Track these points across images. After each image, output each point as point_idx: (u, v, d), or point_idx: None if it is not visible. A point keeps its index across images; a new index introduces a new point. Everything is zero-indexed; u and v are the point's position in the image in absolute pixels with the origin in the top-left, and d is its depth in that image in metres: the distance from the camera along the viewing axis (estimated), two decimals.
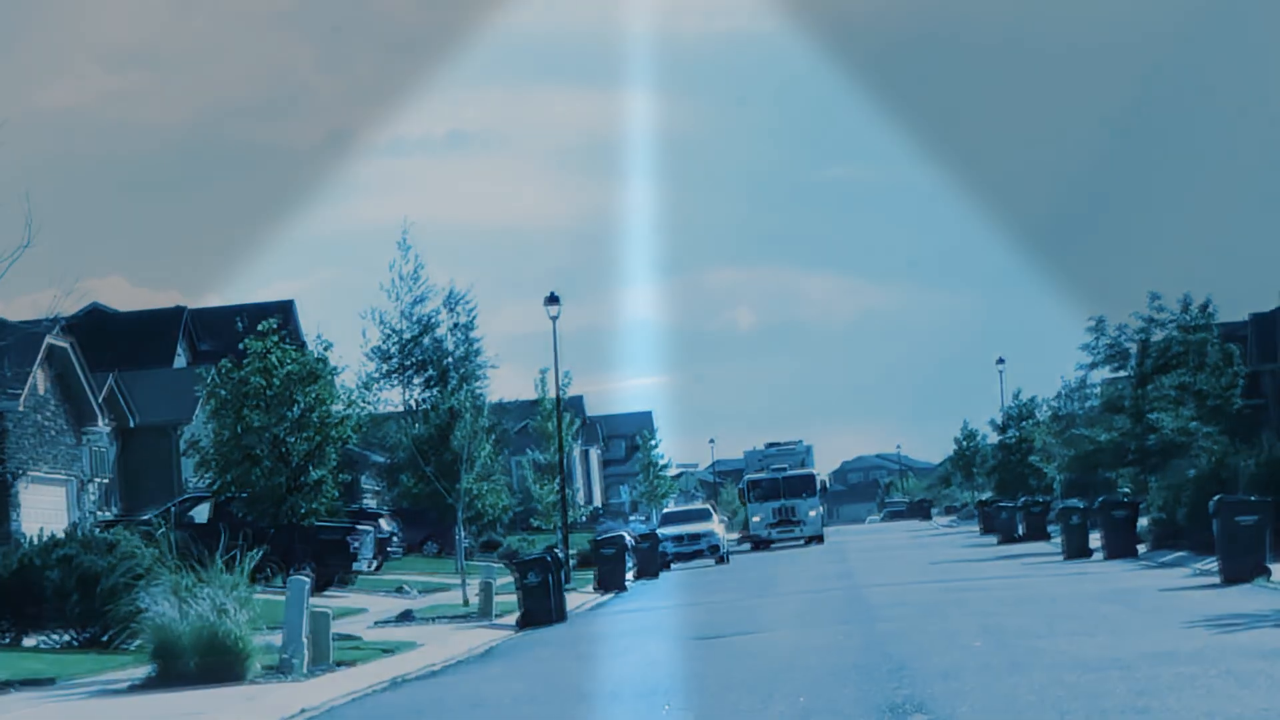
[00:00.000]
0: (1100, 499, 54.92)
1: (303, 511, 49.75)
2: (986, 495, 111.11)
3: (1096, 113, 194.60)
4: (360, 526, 54.53)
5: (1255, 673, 18.52)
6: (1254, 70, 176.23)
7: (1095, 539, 52.02)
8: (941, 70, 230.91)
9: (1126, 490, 64.28)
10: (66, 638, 31.19)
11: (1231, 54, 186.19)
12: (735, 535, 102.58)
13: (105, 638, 29.84)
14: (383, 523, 65.17)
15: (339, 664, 26.96)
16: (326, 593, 47.29)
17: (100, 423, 66.95)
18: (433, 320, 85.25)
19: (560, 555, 42.16)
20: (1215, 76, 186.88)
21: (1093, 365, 72.60)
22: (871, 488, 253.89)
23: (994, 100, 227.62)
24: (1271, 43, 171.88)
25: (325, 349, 52.01)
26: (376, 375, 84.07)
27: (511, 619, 38.30)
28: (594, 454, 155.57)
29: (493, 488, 62.00)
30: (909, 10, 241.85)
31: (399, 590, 52.05)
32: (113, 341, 78.50)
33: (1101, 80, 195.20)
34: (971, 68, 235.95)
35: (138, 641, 26.11)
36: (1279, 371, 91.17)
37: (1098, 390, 78.43)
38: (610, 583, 53.01)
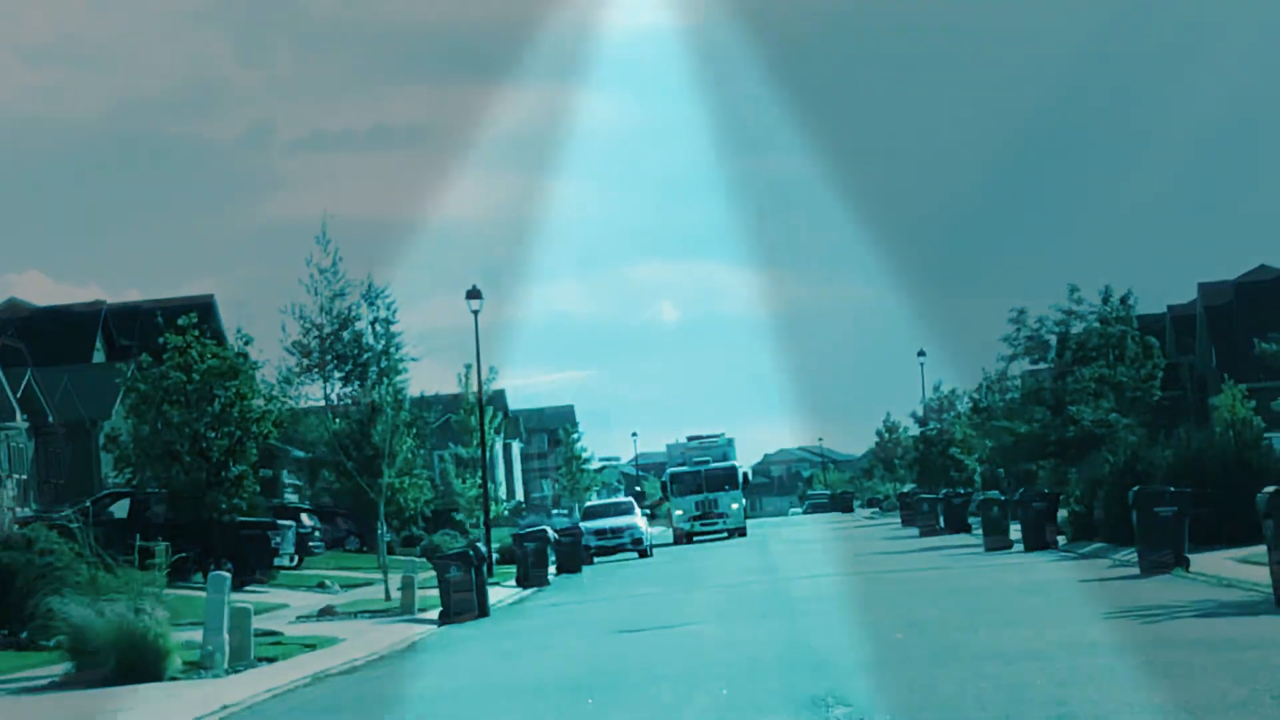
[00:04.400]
0: (1020, 491, 55.23)
1: (223, 507, 49.46)
2: (908, 487, 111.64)
3: (1017, 107, 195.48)
4: (281, 522, 54.29)
5: (1175, 663, 18.61)
6: (1173, 66, 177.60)
7: (1015, 531, 52.30)
8: (864, 65, 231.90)
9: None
10: None
11: (1153, 49, 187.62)
12: (656, 529, 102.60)
13: (24, 635, 29.60)
14: (304, 518, 64.91)
15: (260, 660, 26.85)
16: (247, 588, 47.03)
17: (17, 419, 66.45)
18: (353, 314, 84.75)
19: (482, 550, 42.05)
20: (1135, 72, 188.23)
21: (1013, 357, 72.91)
22: (794, 480, 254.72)
23: (916, 95, 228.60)
24: (1190, 41, 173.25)
25: (245, 344, 51.72)
26: (297, 370, 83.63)
27: (434, 614, 38.20)
28: (515, 448, 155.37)
29: (414, 483, 61.70)
30: (833, 5, 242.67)
31: (321, 586, 51.85)
32: (30, 337, 77.92)
33: (1021, 76, 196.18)
34: (894, 62, 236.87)
35: (57, 639, 25.91)
36: (1197, 363, 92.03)
37: (1018, 382, 78.81)
38: (533, 577, 52.93)
